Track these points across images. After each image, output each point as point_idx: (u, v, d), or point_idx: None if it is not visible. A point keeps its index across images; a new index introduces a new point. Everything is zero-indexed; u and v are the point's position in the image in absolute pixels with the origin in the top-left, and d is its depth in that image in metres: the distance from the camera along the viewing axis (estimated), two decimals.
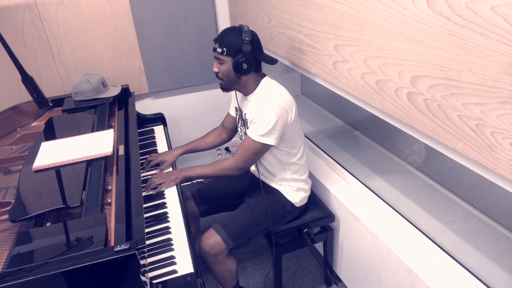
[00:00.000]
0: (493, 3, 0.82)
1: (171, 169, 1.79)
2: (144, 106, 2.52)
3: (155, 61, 2.42)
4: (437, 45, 0.99)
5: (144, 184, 1.63)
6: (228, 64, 1.51)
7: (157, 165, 1.82)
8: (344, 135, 2.39)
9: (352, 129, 2.41)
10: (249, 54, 1.49)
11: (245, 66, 1.49)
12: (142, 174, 1.71)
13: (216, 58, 1.53)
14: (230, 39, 1.48)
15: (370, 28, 1.23)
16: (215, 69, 1.56)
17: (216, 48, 1.51)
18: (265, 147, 1.56)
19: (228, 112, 1.89)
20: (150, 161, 1.82)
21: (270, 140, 1.52)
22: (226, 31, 1.52)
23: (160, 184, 1.63)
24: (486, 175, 1.00)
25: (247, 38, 1.47)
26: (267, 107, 1.49)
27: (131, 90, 2.20)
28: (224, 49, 1.48)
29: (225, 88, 1.60)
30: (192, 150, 1.91)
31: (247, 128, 1.62)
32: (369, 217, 1.62)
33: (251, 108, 1.58)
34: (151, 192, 1.61)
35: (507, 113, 0.86)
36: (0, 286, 0.91)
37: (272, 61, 1.58)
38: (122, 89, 2.11)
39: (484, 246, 1.47)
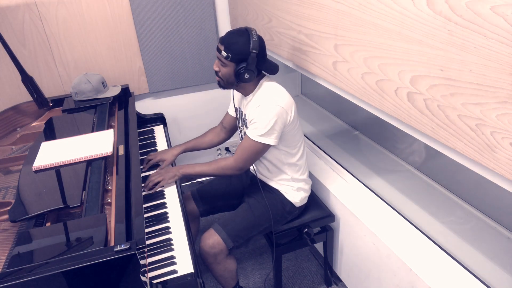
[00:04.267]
0: (493, 3, 0.82)
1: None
2: (144, 106, 2.52)
3: (155, 61, 2.42)
4: (437, 45, 0.99)
5: (144, 184, 1.63)
6: (230, 69, 1.50)
7: (156, 165, 1.82)
8: (344, 135, 2.39)
9: (352, 129, 2.41)
10: (253, 66, 1.47)
11: (246, 76, 1.49)
12: (142, 174, 1.71)
13: (219, 59, 1.51)
14: (238, 47, 1.45)
15: (370, 28, 1.23)
16: (216, 68, 1.54)
17: (220, 50, 1.48)
18: (265, 147, 1.56)
19: (227, 112, 1.88)
20: (149, 160, 1.82)
21: (270, 140, 1.52)
22: (235, 35, 1.48)
23: (159, 181, 1.63)
24: (486, 175, 0.99)
25: (254, 51, 1.44)
26: (267, 107, 1.49)
27: (131, 90, 2.20)
28: (229, 54, 1.46)
29: (223, 86, 1.60)
30: (191, 148, 1.90)
31: (247, 128, 1.62)
32: (369, 217, 1.62)
33: (251, 109, 1.58)
34: (150, 192, 1.61)
35: (507, 113, 0.86)
36: (0, 286, 0.91)
37: (273, 70, 1.56)
38: (122, 89, 2.11)
39: (484, 246, 1.47)
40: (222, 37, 1.50)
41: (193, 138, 1.93)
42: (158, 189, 1.63)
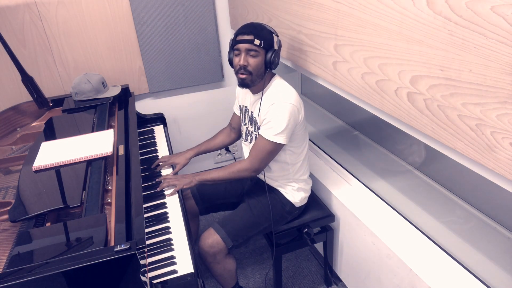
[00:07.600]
0: (493, 3, 0.82)
1: (171, 170, 1.80)
2: (144, 106, 2.52)
3: (155, 61, 2.42)
4: (437, 45, 0.99)
5: (144, 184, 1.63)
6: (261, 58, 1.50)
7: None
8: (344, 135, 2.39)
9: (352, 129, 2.41)
10: (279, 50, 1.54)
11: (276, 61, 1.52)
12: (142, 174, 1.70)
13: (250, 50, 1.48)
14: (265, 33, 1.50)
15: (370, 28, 1.23)
16: (244, 62, 1.49)
17: (251, 40, 1.46)
18: (279, 147, 1.55)
19: (234, 112, 1.88)
20: (160, 162, 1.82)
21: (284, 139, 1.52)
22: (257, 25, 1.51)
23: (174, 185, 1.63)
24: (486, 175, 0.99)
25: (278, 36, 1.53)
26: (280, 106, 1.49)
27: (131, 90, 2.20)
28: (262, 41, 1.47)
29: (248, 84, 1.55)
30: (203, 151, 1.91)
31: (258, 128, 1.61)
32: (369, 217, 1.62)
33: (263, 107, 1.56)
34: (167, 193, 1.61)
35: (507, 113, 0.86)
36: (0, 286, 0.91)
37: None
38: (122, 89, 2.11)
39: (484, 246, 1.47)
40: (244, 29, 1.50)
41: (204, 141, 1.94)
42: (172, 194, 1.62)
